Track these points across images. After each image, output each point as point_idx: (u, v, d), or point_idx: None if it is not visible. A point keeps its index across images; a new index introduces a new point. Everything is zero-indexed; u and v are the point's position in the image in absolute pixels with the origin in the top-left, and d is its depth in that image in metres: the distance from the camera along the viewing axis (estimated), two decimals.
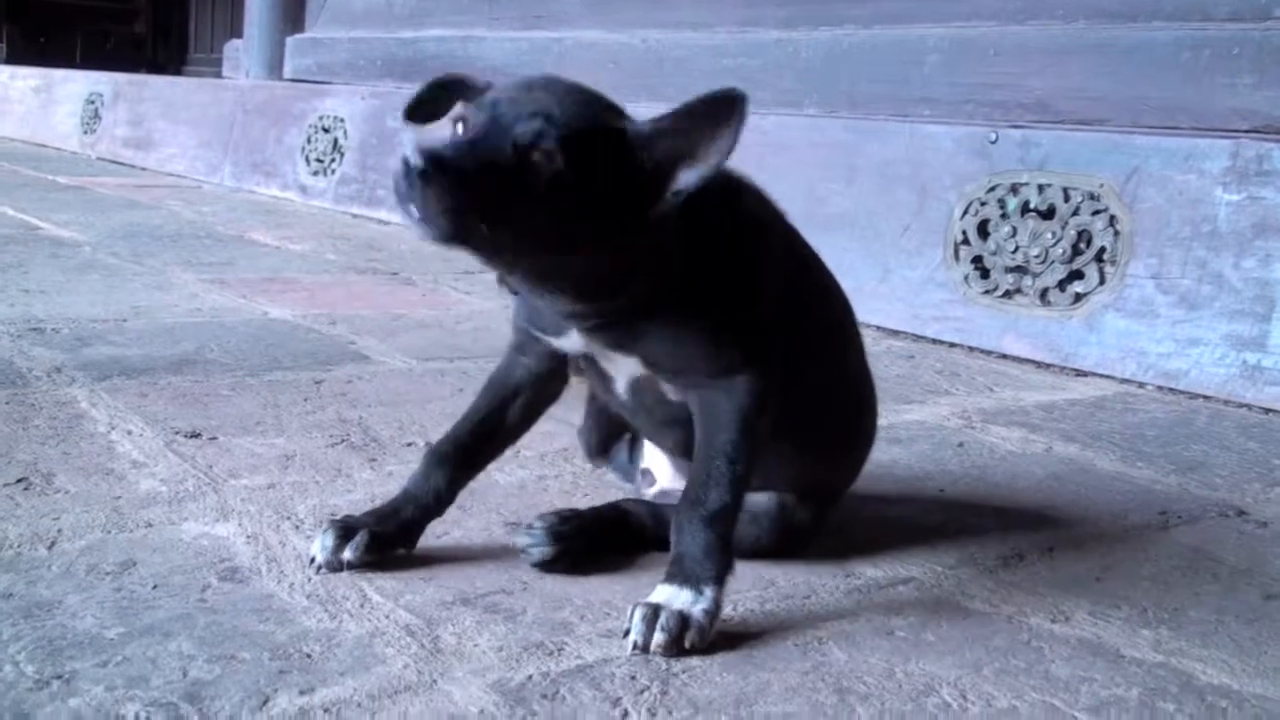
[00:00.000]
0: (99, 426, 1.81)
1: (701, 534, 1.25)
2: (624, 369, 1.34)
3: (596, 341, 1.31)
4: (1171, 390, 2.50)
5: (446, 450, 1.41)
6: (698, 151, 1.17)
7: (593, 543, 1.41)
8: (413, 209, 1.09)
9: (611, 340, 1.30)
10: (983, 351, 2.82)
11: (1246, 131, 2.66)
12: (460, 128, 1.19)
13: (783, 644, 1.22)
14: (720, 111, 1.17)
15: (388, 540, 1.36)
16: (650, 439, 1.52)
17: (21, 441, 1.71)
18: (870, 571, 1.44)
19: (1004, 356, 2.78)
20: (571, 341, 1.33)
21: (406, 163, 1.08)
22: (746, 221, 1.34)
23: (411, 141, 1.11)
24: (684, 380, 1.30)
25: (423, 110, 1.30)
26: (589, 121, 1.18)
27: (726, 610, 1.27)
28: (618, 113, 1.22)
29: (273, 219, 4.72)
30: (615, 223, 1.19)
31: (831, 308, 1.49)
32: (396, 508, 1.39)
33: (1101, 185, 2.72)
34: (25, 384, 2.02)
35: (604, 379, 1.37)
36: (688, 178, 1.18)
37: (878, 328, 3.03)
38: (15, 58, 11.52)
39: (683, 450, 1.41)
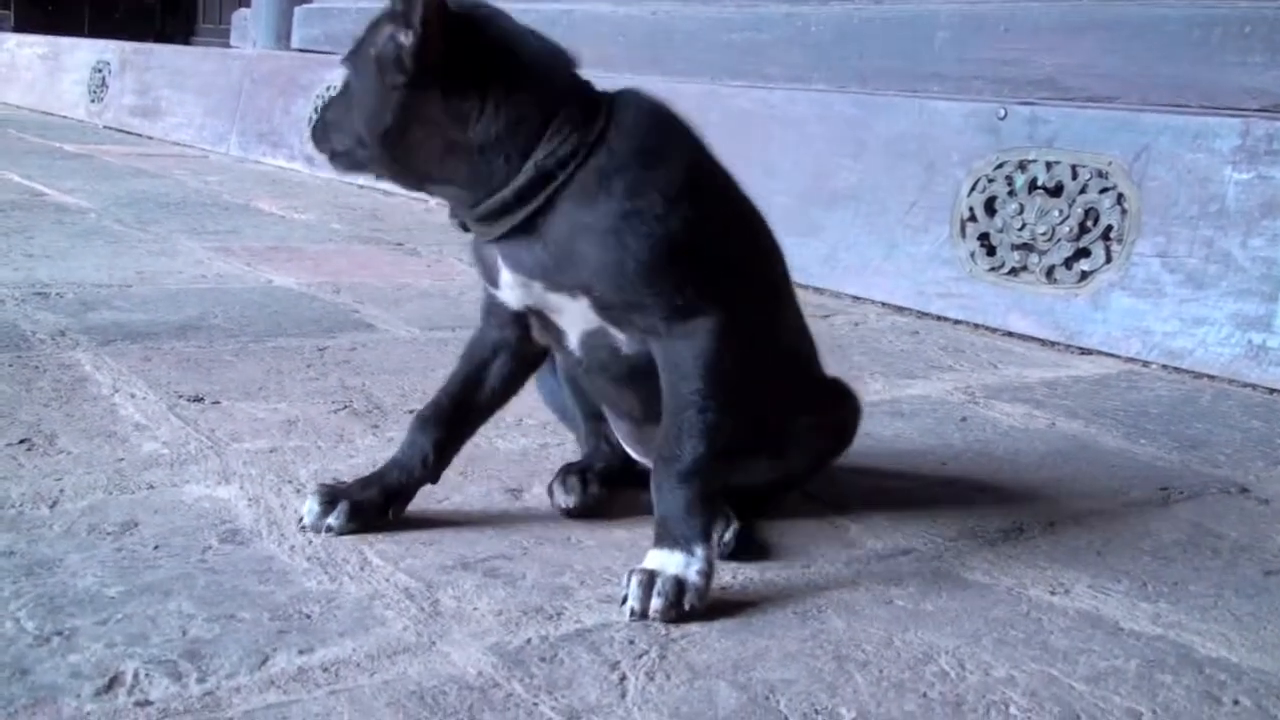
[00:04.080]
0: (102, 390, 1.82)
1: (680, 491, 1.23)
2: (573, 319, 1.29)
3: (528, 276, 1.26)
4: (1176, 369, 2.49)
5: (428, 415, 1.40)
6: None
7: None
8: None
9: (541, 269, 1.25)
10: (988, 329, 2.81)
11: (1257, 110, 2.65)
12: None
13: (781, 612, 1.22)
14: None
15: (371, 507, 1.36)
16: (608, 403, 1.47)
17: (25, 403, 1.72)
18: (870, 542, 1.44)
19: (1009, 334, 2.77)
20: (508, 288, 1.30)
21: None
22: (663, 118, 1.30)
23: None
24: (638, 324, 1.25)
25: None
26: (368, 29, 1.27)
27: (725, 578, 1.28)
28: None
29: (278, 188, 4.72)
30: (401, 87, 1.22)
31: (768, 250, 1.43)
32: (382, 474, 1.39)
33: (1110, 163, 2.71)
34: (29, 347, 2.02)
35: (556, 334, 1.33)
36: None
37: (882, 303, 3.02)
38: (23, 25, 11.49)
39: (640, 412, 1.39)
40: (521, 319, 1.36)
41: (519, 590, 1.23)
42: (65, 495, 1.39)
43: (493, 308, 1.38)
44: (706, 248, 1.26)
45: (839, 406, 1.51)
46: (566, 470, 1.50)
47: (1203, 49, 2.79)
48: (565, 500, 1.46)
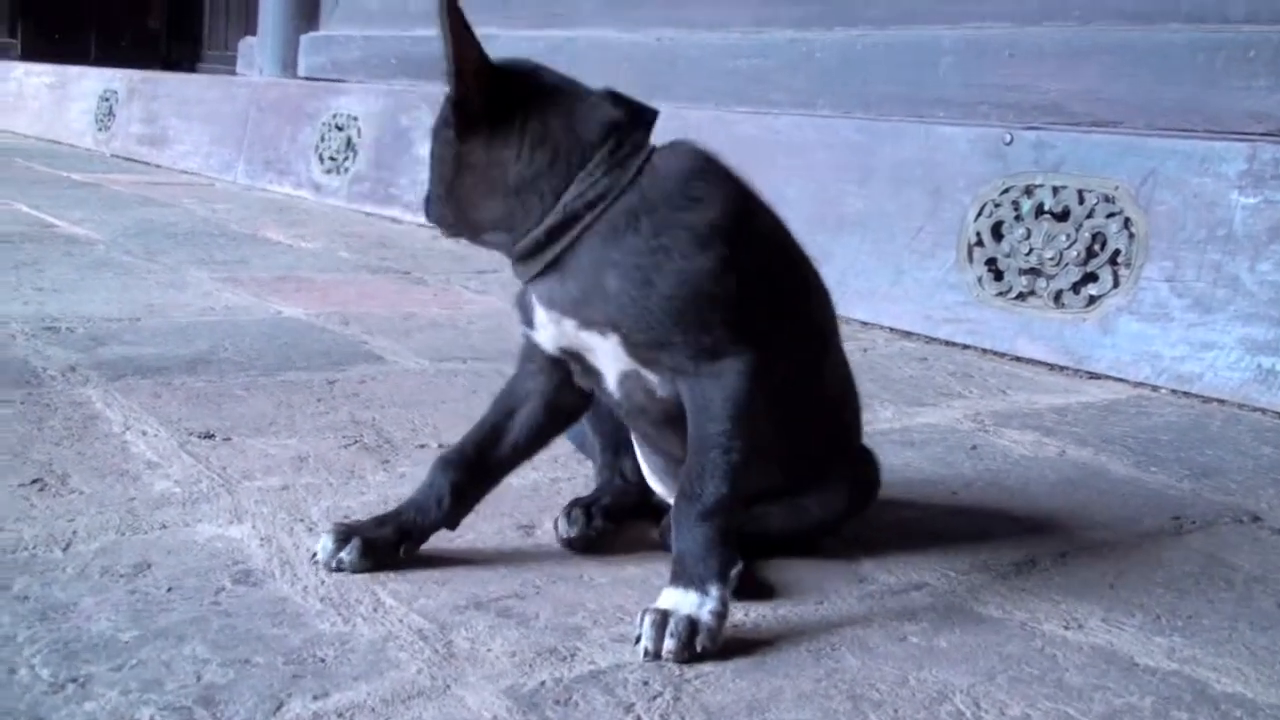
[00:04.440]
0: (113, 427, 1.82)
1: (699, 530, 1.24)
2: (608, 361, 1.30)
3: (560, 314, 1.28)
4: (1185, 394, 2.49)
5: (449, 458, 1.41)
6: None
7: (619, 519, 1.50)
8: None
9: (570, 304, 1.27)
10: (996, 354, 2.81)
11: (1262, 134, 2.65)
12: None
13: (795, 650, 1.22)
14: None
15: (384, 545, 1.36)
16: (649, 444, 1.48)
17: (37, 442, 1.72)
18: (883, 576, 1.43)
19: (1017, 359, 2.77)
20: (543, 327, 1.32)
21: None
22: (703, 164, 1.31)
23: None
24: (666, 363, 1.25)
25: None
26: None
27: (738, 615, 1.28)
28: None
29: (286, 217, 4.73)
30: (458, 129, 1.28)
31: (811, 290, 1.45)
32: (398, 512, 1.40)
33: (1117, 188, 2.71)
34: (40, 384, 2.03)
35: (594, 377, 1.34)
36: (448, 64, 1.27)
37: (890, 329, 3.02)
38: (29, 53, 11.56)
39: (681, 452, 1.37)
40: (560, 365, 1.37)
41: (532, 630, 1.23)
42: (78, 537, 1.39)
43: (530, 352, 1.39)
44: (739, 289, 1.25)
45: (864, 468, 1.52)
46: (573, 503, 1.51)
47: (1207, 73, 2.79)
48: (567, 531, 1.47)
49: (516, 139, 1.26)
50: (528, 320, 1.35)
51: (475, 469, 1.41)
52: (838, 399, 1.50)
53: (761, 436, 1.28)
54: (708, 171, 1.30)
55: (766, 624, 1.28)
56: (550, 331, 1.31)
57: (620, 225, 1.24)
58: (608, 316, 1.25)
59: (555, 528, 1.48)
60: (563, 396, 1.40)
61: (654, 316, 1.23)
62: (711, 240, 1.24)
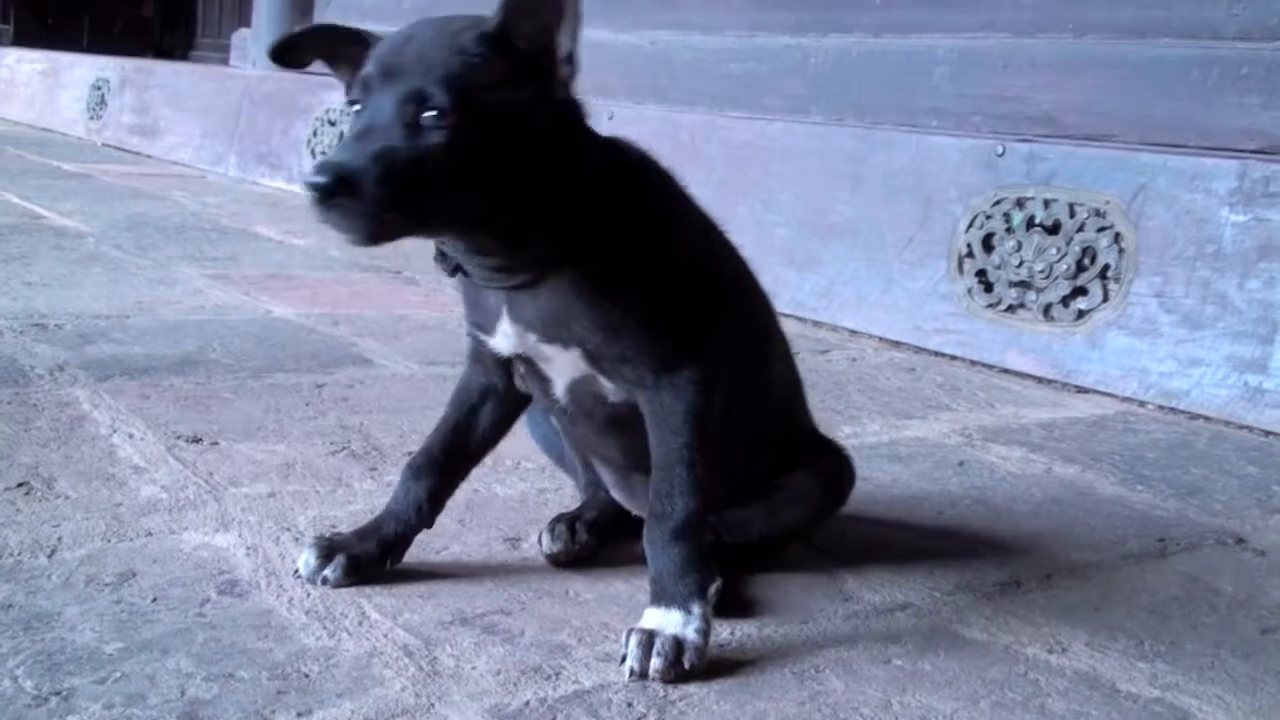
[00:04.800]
0: (101, 429, 1.82)
1: (675, 549, 1.25)
2: (562, 368, 1.30)
3: (526, 328, 1.26)
4: (1172, 410, 2.50)
5: (420, 464, 1.41)
6: (558, 7, 1.15)
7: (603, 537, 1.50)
8: (332, 228, 1.11)
9: (540, 322, 1.25)
10: (984, 365, 2.82)
11: (1254, 151, 2.66)
12: (355, 111, 1.18)
13: (780, 671, 1.22)
14: None
15: (368, 560, 1.36)
16: (590, 449, 1.48)
17: (23, 444, 1.72)
18: (868, 596, 1.44)
19: (1006, 371, 2.78)
20: (504, 335, 1.29)
21: (312, 186, 1.08)
22: (665, 189, 1.31)
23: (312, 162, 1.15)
24: (627, 375, 1.26)
25: (292, 54, 1.31)
26: (463, 58, 1.15)
27: (723, 635, 1.28)
28: (476, 25, 1.18)
29: (277, 212, 4.72)
30: (526, 125, 1.17)
31: (756, 302, 1.45)
32: (379, 524, 1.39)
33: (1108, 202, 2.72)
34: (28, 383, 2.02)
35: (543, 382, 1.33)
36: (565, 40, 1.16)
37: (880, 338, 3.03)
38: (22, 39, 11.50)
39: (622, 456, 1.40)
40: (507, 365, 1.37)
41: (517, 648, 1.23)
42: (63, 543, 1.39)
43: (481, 354, 1.38)
44: (695, 302, 1.29)
45: (832, 463, 1.52)
46: (558, 519, 1.51)
47: (1200, 89, 2.80)
48: (551, 547, 1.47)
49: (576, 142, 1.23)
50: (485, 325, 1.32)
51: (446, 470, 1.41)
52: (788, 391, 1.51)
53: (722, 442, 1.29)
54: (664, 190, 1.31)
55: (751, 644, 1.29)
56: (511, 341, 1.29)
57: (591, 247, 1.23)
58: (575, 334, 1.25)
59: (539, 542, 1.48)
60: (515, 391, 1.40)
61: (619, 333, 1.24)
62: (673, 259, 1.28)
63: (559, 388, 1.32)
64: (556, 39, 1.16)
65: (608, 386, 1.30)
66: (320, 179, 1.07)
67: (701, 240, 1.34)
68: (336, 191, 1.08)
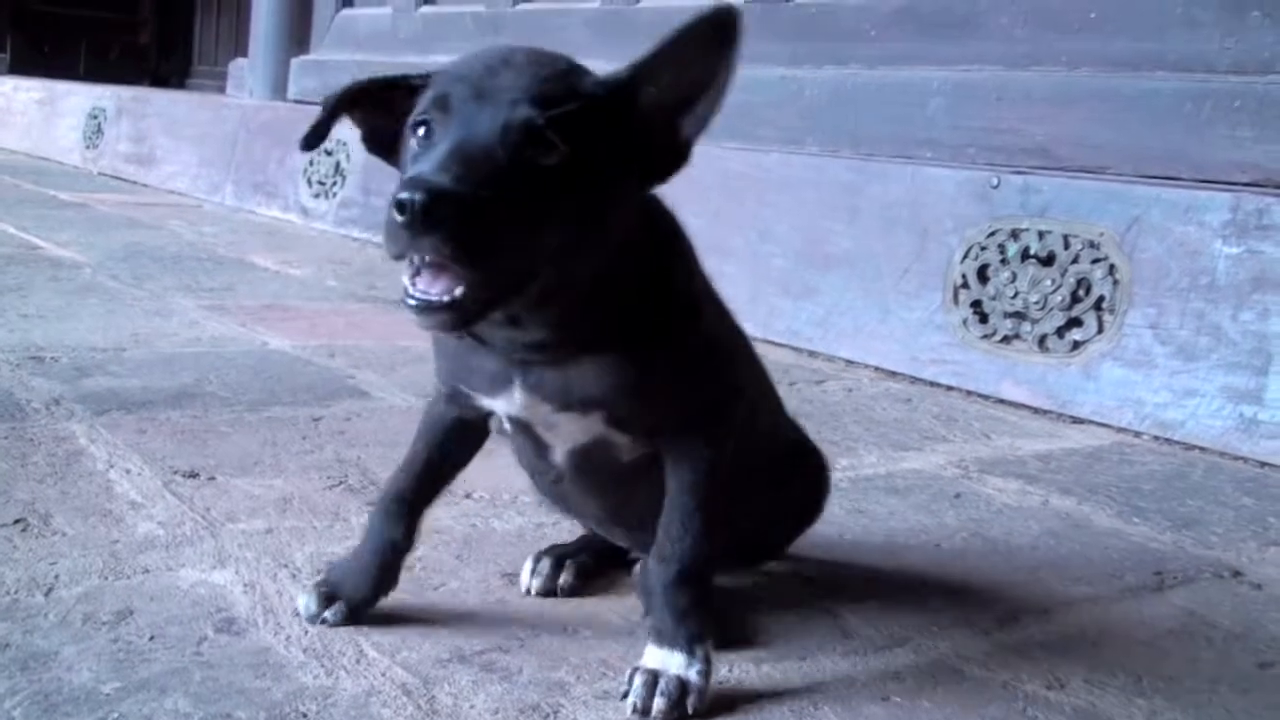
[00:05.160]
0: (97, 464, 1.81)
1: (681, 592, 1.24)
2: (570, 434, 1.23)
3: (541, 399, 1.18)
4: (1168, 441, 2.51)
5: (393, 510, 1.35)
6: (694, 88, 1.06)
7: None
8: (418, 285, 1.00)
9: (559, 394, 1.17)
10: (980, 396, 2.82)
11: (1246, 184, 2.67)
12: (423, 134, 1.05)
13: (779, 708, 1.22)
14: (712, 34, 1.03)
15: (363, 603, 1.34)
16: (572, 508, 1.43)
17: (20, 479, 1.71)
18: (866, 632, 1.44)
19: (1001, 401, 2.78)
20: (510, 403, 1.20)
21: (402, 204, 0.93)
22: (677, 235, 1.22)
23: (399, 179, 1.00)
24: (645, 432, 1.23)
25: (338, 116, 1.17)
26: (573, 88, 1.05)
27: (722, 671, 1.28)
28: (586, 71, 1.10)
29: (273, 241, 4.73)
30: (626, 196, 1.10)
31: (750, 349, 1.42)
32: (365, 566, 1.35)
33: (1102, 234, 2.73)
34: (24, 417, 2.02)
35: (537, 446, 1.27)
36: (692, 124, 1.07)
37: (876, 368, 3.04)
38: (18, 67, 11.54)
39: (606, 514, 1.38)
40: (489, 415, 1.30)
41: (515, 686, 1.22)
42: (60, 581, 1.39)
43: (465, 406, 1.29)
44: (721, 370, 1.28)
45: (810, 472, 1.53)
46: (543, 553, 1.49)
47: (1193, 122, 2.82)
48: (531, 583, 1.46)
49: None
50: (482, 388, 1.23)
51: (419, 507, 1.36)
52: (774, 420, 1.50)
53: (729, 489, 1.28)
54: (680, 249, 1.24)
55: (749, 680, 1.28)
56: (516, 408, 1.21)
57: (621, 316, 1.17)
58: (596, 400, 1.19)
59: (520, 576, 1.47)
60: (486, 426, 1.34)
61: (652, 408, 1.22)
62: (697, 317, 1.24)
63: (559, 453, 1.27)
64: (691, 110, 1.07)
65: (624, 443, 1.25)
66: (415, 195, 0.93)
67: (715, 305, 1.30)
68: (433, 211, 0.93)
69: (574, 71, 1.09)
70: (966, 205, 3.02)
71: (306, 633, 1.31)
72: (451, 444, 1.36)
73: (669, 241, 1.21)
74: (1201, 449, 2.46)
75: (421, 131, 1.05)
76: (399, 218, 0.94)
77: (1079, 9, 3.13)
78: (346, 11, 6.40)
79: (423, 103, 1.07)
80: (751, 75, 3.95)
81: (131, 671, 1.19)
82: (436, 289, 1.00)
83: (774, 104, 3.85)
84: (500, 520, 1.72)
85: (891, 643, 1.41)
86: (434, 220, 0.94)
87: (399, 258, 0.99)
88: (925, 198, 3.12)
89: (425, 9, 5.85)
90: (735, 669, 1.30)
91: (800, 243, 3.31)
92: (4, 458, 1.80)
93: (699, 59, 1.05)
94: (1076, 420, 2.65)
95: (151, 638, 1.27)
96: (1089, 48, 3.09)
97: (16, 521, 1.56)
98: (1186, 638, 1.50)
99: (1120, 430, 2.58)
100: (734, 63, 1.04)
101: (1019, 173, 3.00)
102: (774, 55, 3.92)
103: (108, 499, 1.67)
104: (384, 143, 1.17)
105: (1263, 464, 2.36)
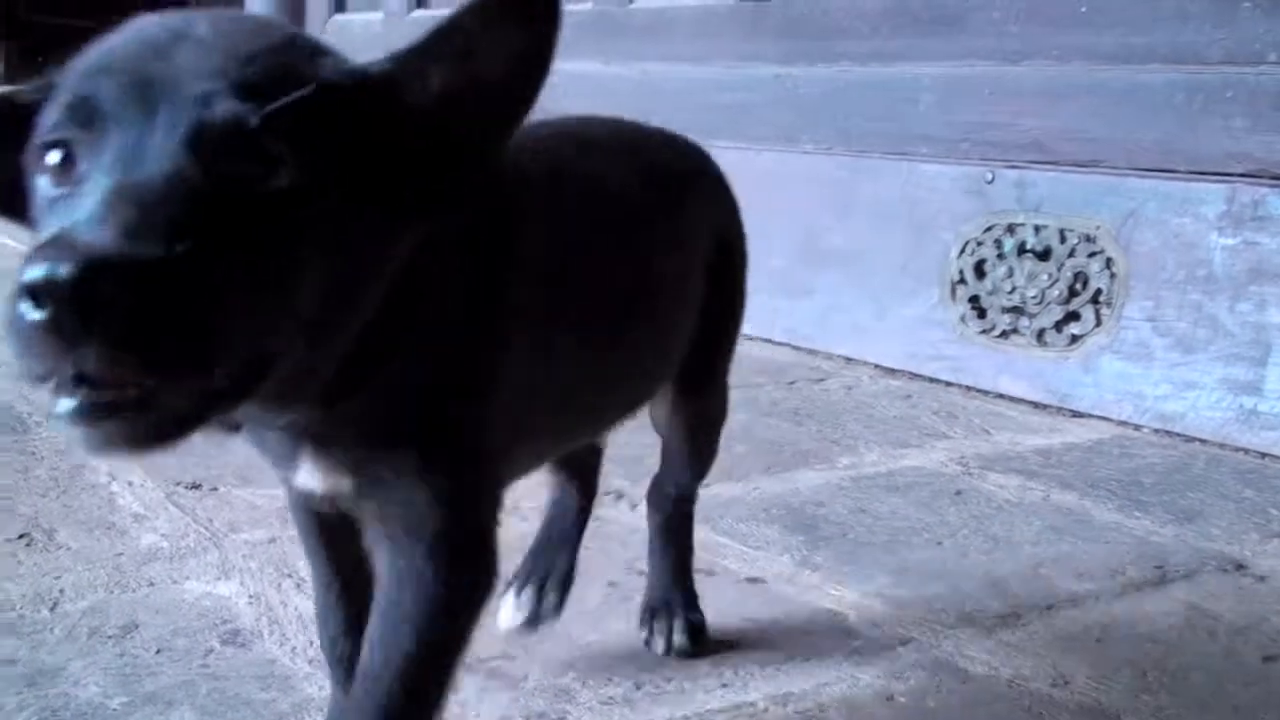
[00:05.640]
0: (100, 477, 1.82)
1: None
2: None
3: (336, 472, 0.86)
4: (1168, 433, 2.51)
5: (339, 676, 1.04)
6: (490, 82, 0.75)
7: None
8: (73, 400, 0.61)
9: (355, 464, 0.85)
10: (979, 391, 2.82)
11: (1241, 175, 2.67)
12: (58, 165, 0.68)
13: (784, 712, 1.23)
14: (513, 8, 0.74)
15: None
16: None
17: (23, 493, 1.72)
18: (871, 632, 1.44)
19: (1000, 396, 2.78)
20: (307, 476, 0.87)
21: (36, 290, 0.58)
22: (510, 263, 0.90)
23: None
24: None
25: None
26: (297, 70, 0.70)
27: (726, 673, 1.28)
28: (322, 48, 0.76)
29: None
30: (400, 232, 0.75)
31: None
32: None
33: (1098, 227, 2.74)
34: (26, 430, 2.02)
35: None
36: (491, 131, 0.77)
37: (875, 365, 3.04)
38: (13, 77, 11.54)
39: None
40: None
41: (521, 693, 1.23)
42: (65, 595, 1.39)
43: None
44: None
45: None
46: (526, 576, 1.36)
47: (1186, 114, 2.82)
48: (515, 618, 1.32)
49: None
50: (275, 460, 0.93)
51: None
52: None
53: None
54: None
55: (755, 683, 1.29)
56: (313, 483, 0.91)
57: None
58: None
59: (500, 610, 1.34)
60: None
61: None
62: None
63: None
64: (489, 111, 0.76)
65: None
66: (59, 270, 0.57)
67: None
68: (93, 295, 0.57)
69: (297, 46, 0.73)
70: (961, 201, 3.02)
71: (311, 643, 1.31)
72: (336, 549, 1.01)
73: (493, 274, 0.88)
74: (1202, 441, 2.46)
75: (56, 161, 0.69)
76: (34, 314, 0.58)
77: (1069, 4, 3.13)
78: (339, 17, 6.40)
79: (50, 116, 0.70)
80: (745, 74, 3.96)
81: (139, 685, 1.19)
82: (110, 383, 0.61)
83: (767, 103, 3.84)
84: (504, 529, 1.72)
85: (895, 641, 1.42)
86: (95, 310, 0.58)
87: (42, 380, 0.62)
88: (920, 194, 3.12)
89: (418, 13, 5.84)
90: (740, 671, 1.31)
91: (797, 241, 3.31)
92: (7, 472, 1.80)
93: (497, 43, 0.75)
94: (1076, 414, 2.65)
95: (158, 651, 1.27)
96: (1079, 41, 3.08)
97: (21, 536, 1.56)
98: (1190, 632, 1.50)
99: (1120, 423, 2.58)
100: (548, 46, 0.76)
101: (1014, 167, 3.01)
102: (767, 54, 3.92)
103: (111, 512, 1.68)
104: (9, 196, 0.75)
105: (1263, 455, 2.36)
